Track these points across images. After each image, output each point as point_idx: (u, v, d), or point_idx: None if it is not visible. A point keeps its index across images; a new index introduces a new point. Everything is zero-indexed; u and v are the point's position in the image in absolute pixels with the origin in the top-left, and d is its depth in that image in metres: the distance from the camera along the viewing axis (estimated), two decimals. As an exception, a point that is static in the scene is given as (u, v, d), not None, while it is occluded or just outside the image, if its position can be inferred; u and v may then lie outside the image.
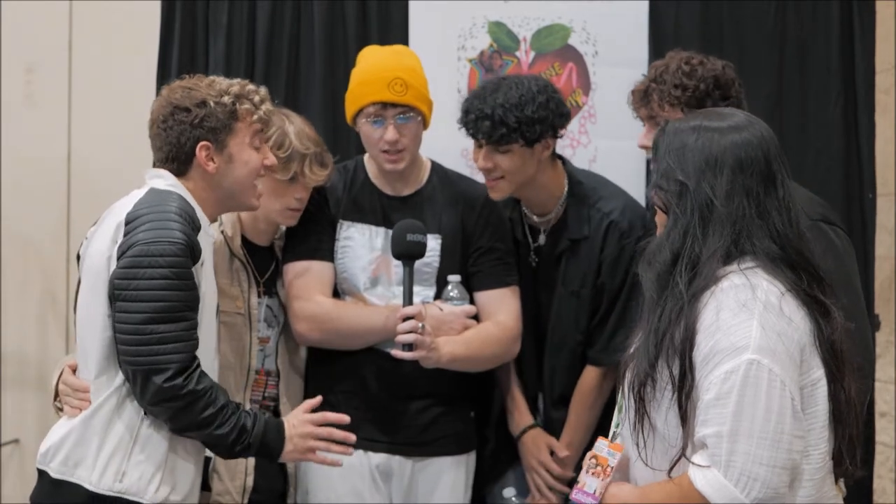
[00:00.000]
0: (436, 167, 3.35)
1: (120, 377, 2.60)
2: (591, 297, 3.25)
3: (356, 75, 3.26)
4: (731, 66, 3.03)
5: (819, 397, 2.16)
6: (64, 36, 4.15)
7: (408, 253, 3.07)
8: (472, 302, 3.24)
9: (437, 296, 3.24)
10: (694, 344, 2.12)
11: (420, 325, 3.01)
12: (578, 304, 3.26)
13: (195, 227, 2.62)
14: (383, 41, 3.76)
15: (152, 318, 2.53)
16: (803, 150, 3.85)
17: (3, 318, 4.16)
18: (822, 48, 3.90)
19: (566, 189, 3.29)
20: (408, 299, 3.05)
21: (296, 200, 3.14)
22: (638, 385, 2.18)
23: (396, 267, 3.18)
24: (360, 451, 3.11)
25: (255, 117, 2.78)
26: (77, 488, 2.58)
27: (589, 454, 2.33)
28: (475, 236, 3.28)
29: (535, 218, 3.33)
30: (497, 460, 3.42)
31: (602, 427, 3.17)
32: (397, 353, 3.02)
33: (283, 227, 3.26)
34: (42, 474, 2.65)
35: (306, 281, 3.19)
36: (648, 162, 3.45)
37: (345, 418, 2.80)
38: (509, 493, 3.41)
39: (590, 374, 3.27)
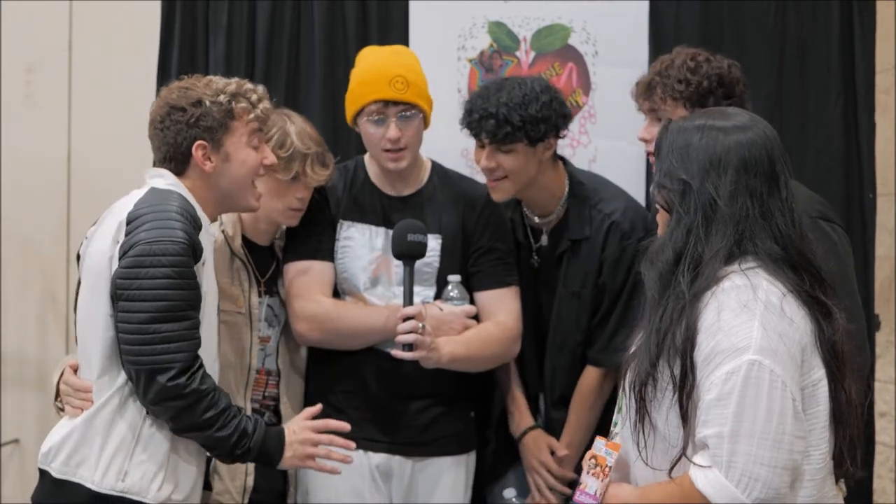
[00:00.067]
0: (436, 167, 3.35)
1: (122, 377, 2.60)
2: (592, 297, 3.25)
3: (356, 75, 3.26)
4: (737, 65, 3.03)
5: (820, 398, 2.16)
6: (64, 36, 4.15)
7: (408, 253, 3.07)
8: (472, 302, 3.24)
9: (438, 296, 3.24)
10: (695, 344, 2.12)
11: (420, 325, 3.01)
12: (579, 304, 3.26)
13: (196, 226, 2.62)
14: (383, 41, 3.76)
15: (155, 317, 2.53)
16: (803, 150, 3.85)
17: (3, 318, 4.16)
18: (822, 48, 3.90)
19: (567, 190, 3.29)
20: (408, 299, 3.05)
21: (297, 200, 3.14)
22: (639, 385, 2.18)
23: (397, 267, 3.18)
24: (361, 451, 3.10)
25: (252, 116, 2.78)
26: (79, 488, 2.59)
27: (588, 454, 2.33)
28: (475, 236, 3.28)
29: (536, 219, 3.33)
30: (498, 461, 3.42)
31: (602, 427, 3.18)
32: (397, 353, 3.02)
33: (284, 227, 3.26)
34: (44, 474, 2.65)
35: (306, 281, 3.19)
36: (648, 162, 3.45)
37: (345, 426, 2.81)
38: (510, 493, 3.41)
39: (590, 375, 3.27)
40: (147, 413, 2.61)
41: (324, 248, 3.23)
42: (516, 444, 3.35)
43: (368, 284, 3.23)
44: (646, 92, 3.05)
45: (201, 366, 2.58)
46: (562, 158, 3.35)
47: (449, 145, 3.66)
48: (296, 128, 3.12)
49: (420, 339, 3.00)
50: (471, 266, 3.27)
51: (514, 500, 3.40)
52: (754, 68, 3.67)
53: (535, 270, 3.35)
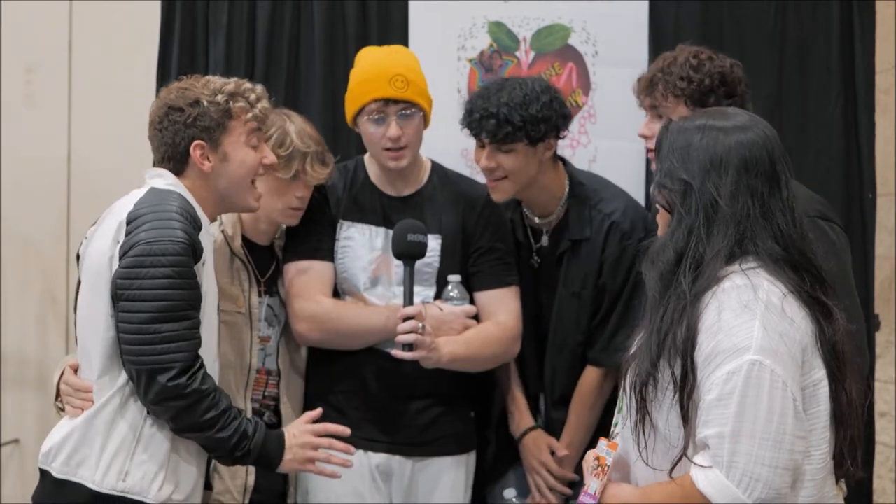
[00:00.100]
0: (436, 167, 3.35)
1: (123, 377, 2.60)
2: (592, 297, 3.25)
3: (356, 75, 3.26)
4: (740, 65, 3.03)
5: (821, 398, 2.16)
6: (64, 36, 4.15)
7: (408, 253, 3.07)
8: (472, 302, 3.24)
9: (438, 296, 3.24)
10: (695, 344, 2.12)
11: (420, 325, 3.01)
12: (579, 304, 3.26)
13: (196, 225, 2.63)
14: (383, 41, 3.76)
15: (155, 317, 2.53)
16: (803, 150, 3.85)
17: (3, 318, 4.16)
18: (822, 48, 3.90)
19: (567, 190, 3.29)
20: (408, 299, 3.05)
21: (297, 199, 3.14)
22: (639, 385, 2.18)
23: (397, 267, 3.19)
24: (361, 451, 3.11)
25: (250, 115, 2.78)
26: (80, 488, 2.59)
27: (592, 455, 2.33)
28: (475, 236, 3.28)
29: (536, 219, 3.33)
30: (498, 461, 3.42)
31: (602, 427, 3.18)
32: (397, 353, 3.02)
33: (284, 227, 3.26)
34: (44, 474, 2.66)
35: (306, 281, 3.19)
36: (648, 162, 3.45)
37: (345, 430, 2.81)
38: (510, 493, 3.41)
39: (590, 375, 3.27)
40: (148, 413, 2.61)
41: (324, 248, 3.23)
42: (516, 444, 3.35)
43: (368, 284, 3.23)
44: (647, 88, 3.05)
45: (202, 366, 2.58)
46: (562, 159, 3.35)
47: (449, 145, 3.66)
48: (295, 127, 3.12)
49: (420, 339, 3.00)
50: (471, 266, 3.27)
51: (514, 500, 3.40)
52: (754, 68, 3.67)
53: (535, 271, 3.35)
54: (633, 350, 2.28)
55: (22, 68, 4.16)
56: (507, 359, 3.30)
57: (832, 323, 2.18)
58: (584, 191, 3.29)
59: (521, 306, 3.27)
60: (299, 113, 3.27)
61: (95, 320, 2.62)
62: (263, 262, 3.21)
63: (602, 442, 2.32)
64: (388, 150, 3.17)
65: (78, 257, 2.76)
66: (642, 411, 2.19)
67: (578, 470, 3.25)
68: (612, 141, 3.86)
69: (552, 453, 3.30)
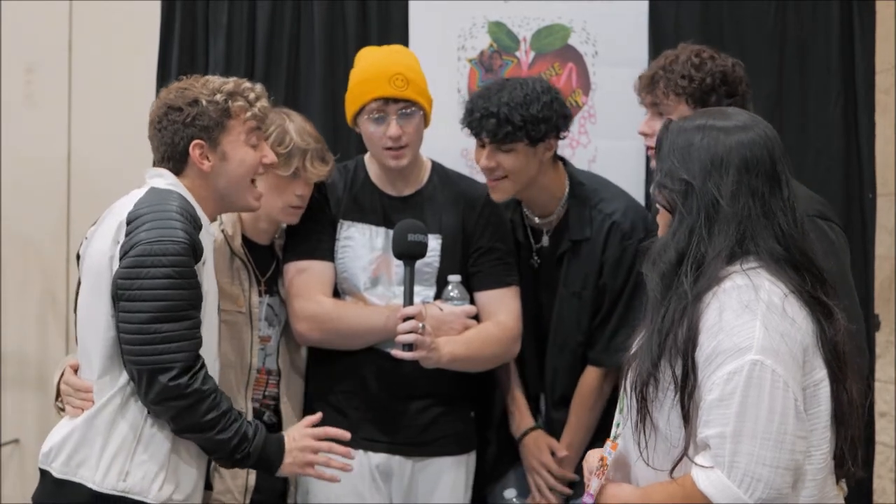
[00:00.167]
0: (436, 167, 3.35)
1: (124, 377, 2.60)
2: (593, 298, 3.25)
3: (356, 75, 3.26)
4: (741, 64, 3.04)
5: (821, 398, 2.16)
6: (64, 36, 4.15)
7: (409, 253, 3.07)
8: (472, 302, 3.24)
9: (438, 296, 3.24)
10: (696, 344, 2.12)
11: (420, 325, 3.01)
12: (580, 305, 3.26)
13: (197, 225, 2.63)
14: (383, 41, 3.76)
15: (156, 317, 2.53)
16: (803, 150, 3.86)
17: (3, 318, 4.16)
18: (822, 48, 3.90)
19: (567, 190, 3.29)
20: (408, 299, 3.05)
21: (297, 197, 3.14)
22: (640, 385, 2.18)
23: (397, 267, 3.19)
24: (361, 451, 3.11)
25: (249, 114, 2.78)
26: (80, 488, 2.59)
27: (594, 455, 2.32)
28: (475, 236, 3.28)
29: (536, 219, 3.33)
30: (498, 461, 3.42)
31: (602, 428, 3.18)
32: (397, 353, 3.03)
33: (284, 226, 3.26)
34: (44, 474, 2.65)
35: (307, 280, 3.19)
36: (648, 162, 3.45)
37: (345, 434, 2.81)
38: (510, 493, 3.41)
39: (591, 375, 3.27)
40: (148, 413, 2.61)
41: (324, 248, 3.23)
42: (517, 444, 3.35)
43: (368, 284, 3.23)
44: (648, 86, 3.06)
45: (203, 366, 2.58)
46: (562, 159, 3.35)
47: (449, 145, 3.66)
48: (294, 125, 3.13)
49: (420, 339, 3.00)
50: (471, 266, 3.27)
51: (514, 500, 3.41)
52: (754, 68, 3.66)
53: (535, 271, 3.35)
54: (633, 350, 2.28)
55: (22, 68, 4.15)
56: (507, 359, 3.30)
57: (833, 323, 2.18)
58: (585, 191, 3.29)
59: (522, 306, 3.27)
60: (299, 113, 3.27)
61: (96, 320, 2.62)
62: (264, 262, 3.21)
63: (607, 443, 2.32)
64: (388, 149, 3.17)
65: (78, 257, 2.76)
66: (643, 411, 2.18)
67: (579, 470, 3.25)
68: (611, 141, 3.86)
69: (552, 454, 3.30)
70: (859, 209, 3.89)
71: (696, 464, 2.10)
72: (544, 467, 3.29)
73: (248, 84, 2.82)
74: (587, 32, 3.91)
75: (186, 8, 3.94)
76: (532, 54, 3.92)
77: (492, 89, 3.17)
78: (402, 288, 3.09)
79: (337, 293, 3.25)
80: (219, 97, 2.74)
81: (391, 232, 3.15)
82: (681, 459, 2.13)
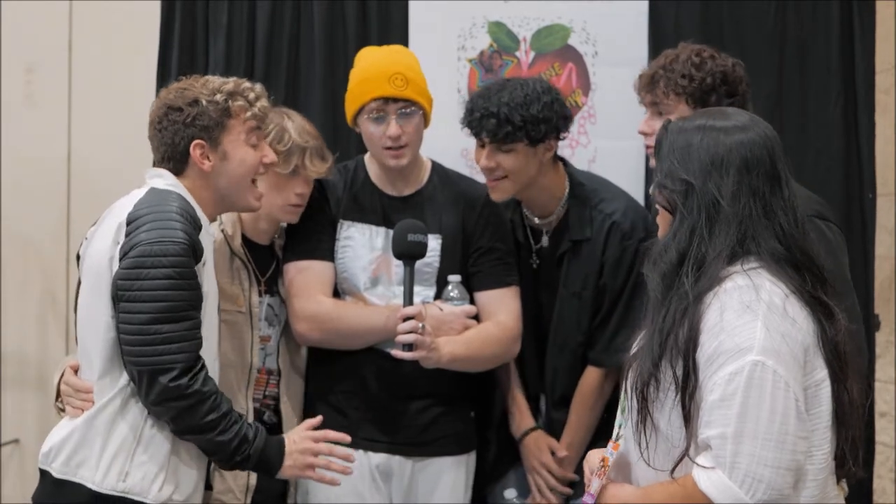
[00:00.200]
0: (436, 167, 3.35)
1: (124, 378, 2.60)
2: (593, 298, 3.25)
3: (355, 75, 3.26)
4: (742, 64, 3.04)
5: (823, 398, 2.15)
6: (64, 36, 4.15)
7: (408, 253, 3.07)
8: (472, 302, 3.24)
9: (438, 296, 3.24)
10: (697, 344, 2.12)
11: (420, 325, 3.01)
12: (580, 305, 3.26)
13: (197, 226, 2.62)
14: (383, 41, 3.76)
15: (156, 318, 2.53)
16: (803, 150, 3.86)
17: (3, 318, 4.16)
18: (822, 48, 3.90)
19: (567, 191, 3.29)
20: (408, 299, 3.05)
21: (297, 196, 3.14)
22: (641, 385, 2.18)
23: (397, 267, 3.19)
24: (361, 451, 3.11)
25: (250, 114, 2.78)
26: (80, 488, 2.59)
27: (595, 455, 2.32)
28: (475, 236, 3.28)
29: (536, 220, 3.33)
30: (498, 461, 3.42)
31: (602, 428, 3.18)
32: (397, 353, 3.02)
33: (284, 226, 3.26)
34: (44, 474, 2.65)
35: (307, 280, 3.19)
36: (648, 162, 3.45)
37: (345, 437, 2.81)
38: (510, 493, 3.41)
39: (591, 375, 3.27)
40: (148, 414, 2.61)
41: (324, 248, 3.23)
42: (517, 444, 3.35)
43: (368, 284, 3.23)
44: (648, 85, 3.05)
45: (203, 367, 2.58)
46: (562, 159, 3.35)
47: (449, 145, 3.66)
48: (293, 123, 3.13)
49: (420, 339, 3.00)
50: (471, 266, 3.27)
51: (514, 500, 3.41)
52: (754, 68, 3.66)
53: (535, 271, 3.35)
54: (634, 351, 2.28)
55: (22, 68, 4.16)
56: (507, 359, 3.30)
57: (834, 323, 2.18)
58: (585, 191, 3.29)
59: (522, 306, 3.27)
60: (299, 112, 3.27)
61: (96, 321, 2.62)
62: (263, 262, 3.21)
63: (609, 443, 2.32)
64: (388, 148, 3.17)
65: (78, 257, 2.76)
66: (644, 412, 2.18)
67: (579, 470, 3.25)
68: (611, 141, 3.86)
69: (553, 454, 3.30)
70: (859, 209, 3.89)
71: (697, 464, 2.10)
72: (545, 467, 3.29)
73: (247, 84, 2.82)
74: (587, 32, 3.91)
75: (186, 8, 3.94)
76: (532, 54, 3.92)
77: (492, 89, 3.17)
78: (401, 288, 3.09)
79: (337, 293, 3.25)
80: (219, 97, 2.74)
81: (391, 232, 3.15)
82: (682, 460, 2.13)
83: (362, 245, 3.24)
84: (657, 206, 2.31)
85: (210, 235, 2.76)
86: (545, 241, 3.33)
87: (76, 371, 2.70)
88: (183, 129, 2.72)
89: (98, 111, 4.11)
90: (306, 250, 3.22)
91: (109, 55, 4.11)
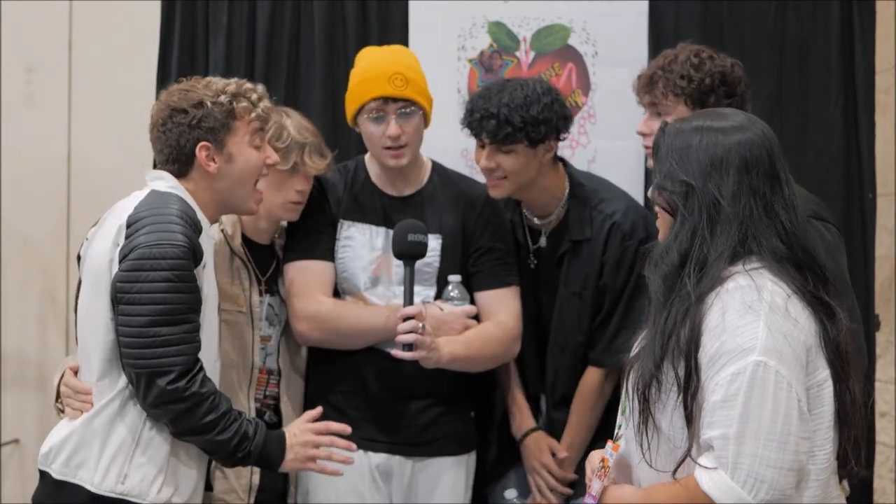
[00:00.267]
0: (436, 167, 3.35)
1: (123, 380, 2.60)
2: (593, 298, 3.25)
3: (356, 74, 3.26)
4: (740, 65, 3.04)
5: (825, 398, 2.15)
6: (64, 36, 4.14)
7: (409, 253, 3.07)
8: (472, 302, 3.24)
9: (438, 296, 3.24)
10: (699, 345, 2.12)
11: (420, 325, 3.01)
12: (580, 305, 3.26)
13: (197, 229, 2.62)
14: (383, 41, 3.76)
15: (155, 320, 2.53)
16: (803, 150, 3.86)
17: (3, 318, 4.15)
18: (822, 48, 3.90)
19: (567, 191, 3.29)
20: (408, 299, 3.05)
21: (297, 193, 3.14)
22: (643, 386, 2.18)
23: (397, 267, 3.19)
24: (361, 451, 3.10)
25: (254, 115, 2.78)
26: (79, 489, 2.59)
27: (597, 456, 2.32)
28: (475, 236, 3.28)
29: (535, 220, 3.33)
30: (499, 461, 3.42)
31: (603, 428, 3.18)
32: (397, 352, 3.03)
33: (284, 225, 3.26)
34: (44, 475, 2.65)
35: (307, 280, 3.19)
36: (647, 162, 3.45)
37: (346, 429, 2.81)
38: (511, 494, 3.41)
39: (591, 376, 3.27)
40: (147, 416, 2.60)
41: (324, 248, 3.23)
42: (517, 445, 3.35)
43: (369, 284, 3.23)
44: (647, 86, 3.05)
45: (201, 369, 2.58)
46: (562, 159, 3.35)
47: (449, 145, 3.66)
48: (292, 121, 3.13)
49: (420, 339, 3.00)
50: (471, 266, 3.27)
51: (515, 500, 3.41)
52: (754, 68, 3.67)
53: (532, 271, 3.35)
54: (635, 352, 2.28)
55: (22, 68, 4.15)
56: (507, 359, 3.30)
57: (835, 323, 2.18)
58: (585, 192, 3.29)
59: (522, 306, 3.27)
60: (298, 112, 3.28)
61: (96, 322, 2.62)
62: (264, 261, 3.21)
63: (609, 444, 2.32)
64: (387, 148, 3.18)
65: (79, 258, 2.76)
66: (645, 413, 2.18)
67: (579, 470, 3.25)
68: (611, 141, 3.86)
69: (553, 455, 3.30)
70: (859, 209, 3.89)
71: (699, 465, 2.09)
72: (545, 468, 3.29)
73: (249, 85, 2.82)
74: (587, 32, 3.91)
75: (186, 8, 3.93)
76: (532, 54, 3.92)
77: (492, 90, 3.17)
78: (402, 288, 3.09)
79: (337, 293, 3.25)
80: (223, 98, 2.74)
81: (391, 232, 3.15)
82: (684, 460, 2.13)
83: (362, 245, 3.24)
84: (657, 209, 2.31)
85: (210, 238, 2.76)
86: (543, 241, 3.33)
87: (76, 372, 2.70)
88: (188, 131, 2.72)
89: (98, 111, 4.11)
90: (306, 250, 3.22)
91: (109, 55, 4.11)
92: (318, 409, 2.84)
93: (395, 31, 3.90)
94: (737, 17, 3.92)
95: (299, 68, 3.95)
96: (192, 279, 2.58)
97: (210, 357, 2.68)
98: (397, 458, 3.22)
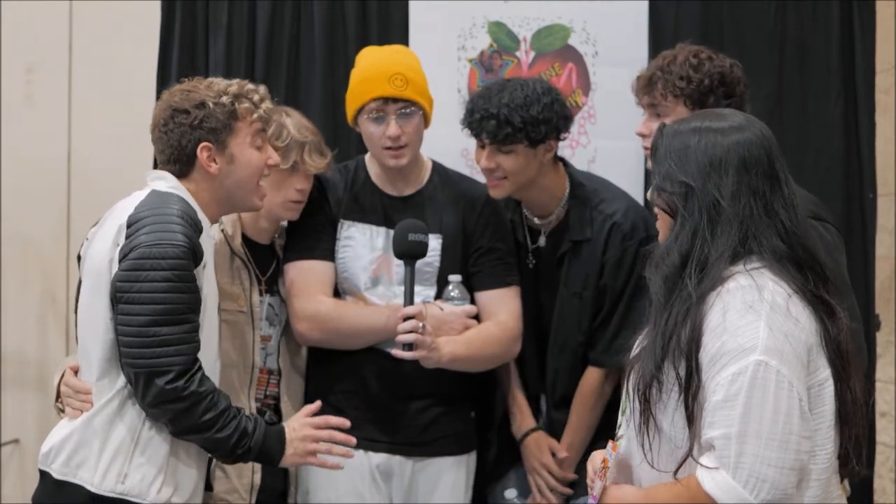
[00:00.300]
0: (437, 167, 3.35)
1: (122, 380, 2.60)
2: (594, 298, 3.25)
3: (356, 74, 3.26)
4: (739, 65, 3.03)
5: (826, 397, 2.15)
6: (64, 36, 4.14)
7: (409, 252, 3.07)
8: (472, 302, 3.24)
9: (438, 295, 3.24)
10: (700, 345, 2.12)
11: (421, 324, 3.01)
12: (581, 305, 3.26)
13: (197, 229, 2.62)
14: (383, 41, 3.76)
15: (154, 320, 2.53)
16: (803, 150, 3.85)
17: (3, 318, 4.16)
18: (822, 48, 3.90)
19: (567, 191, 3.29)
20: (408, 299, 3.05)
21: (297, 192, 3.14)
22: (643, 387, 2.18)
23: (397, 266, 3.19)
24: (361, 451, 3.10)
25: (255, 116, 2.78)
26: (79, 489, 2.59)
27: (599, 456, 2.32)
28: (476, 236, 3.28)
29: (536, 220, 3.33)
30: (499, 461, 3.42)
31: (603, 428, 3.18)
32: (398, 352, 3.03)
33: (284, 225, 3.26)
34: (44, 475, 2.65)
35: (307, 280, 3.19)
36: (647, 161, 3.45)
37: (345, 422, 2.81)
38: (511, 493, 3.41)
39: (591, 376, 3.27)
40: (146, 416, 2.60)
41: (324, 248, 3.23)
42: (517, 445, 3.35)
43: (369, 284, 3.23)
44: (646, 87, 3.05)
45: (200, 368, 2.58)
46: (562, 159, 3.35)
47: (449, 145, 3.66)
48: (292, 119, 3.14)
49: (420, 339, 3.00)
50: (471, 266, 3.27)
51: (515, 500, 3.41)
52: (754, 68, 3.67)
53: (531, 271, 3.35)
54: (635, 352, 2.28)
55: (22, 68, 4.15)
56: (507, 359, 3.31)
57: (836, 322, 2.18)
58: (585, 192, 3.29)
59: (522, 306, 3.27)
60: (299, 112, 3.28)
61: (95, 322, 2.62)
62: (264, 261, 3.21)
63: (609, 444, 2.32)
64: (387, 148, 3.18)
65: (79, 258, 2.76)
66: (646, 413, 2.18)
67: (579, 470, 3.25)
68: (611, 141, 3.86)
69: (553, 455, 3.30)
70: (859, 209, 3.89)
71: (701, 465, 2.09)
72: (545, 468, 3.29)
73: (251, 86, 2.82)
74: (587, 32, 3.90)
75: (186, 8, 3.93)
76: (532, 54, 3.92)
77: (492, 90, 3.17)
78: (402, 288, 3.09)
79: (337, 293, 3.25)
80: (225, 99, 2.74)
81: (392, 232, 3.15)
82: (685, 460, 2.13)
83: (363, 245, 3.24)
84: (656, 210, 2.31)
85: (211, 238, 2.76)
86: (542, 241, 3.33)
87: (76, 372, 2.70)
88: (190, 131, 2.72)
89: (98, 111, 4.11)
90: (307, 250, 3.22)
91: (109, 55, 4.10)
92: (317, 404, 2.83)
93: (395, 31, 3.90)
94: (737, 17, 3.92)
95: (299, 68, 3.95)
96: (191, 279, 2.58)
97: (210, 357, 2.68)
98: (397, 458, 3.22)
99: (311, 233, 3.23)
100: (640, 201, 3.53)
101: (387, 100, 3.16)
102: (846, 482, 2.39)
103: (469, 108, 3.19)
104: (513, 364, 3.36)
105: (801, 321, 2.13)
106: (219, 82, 2.81)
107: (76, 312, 2.74)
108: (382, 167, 3.25)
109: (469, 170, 3.56)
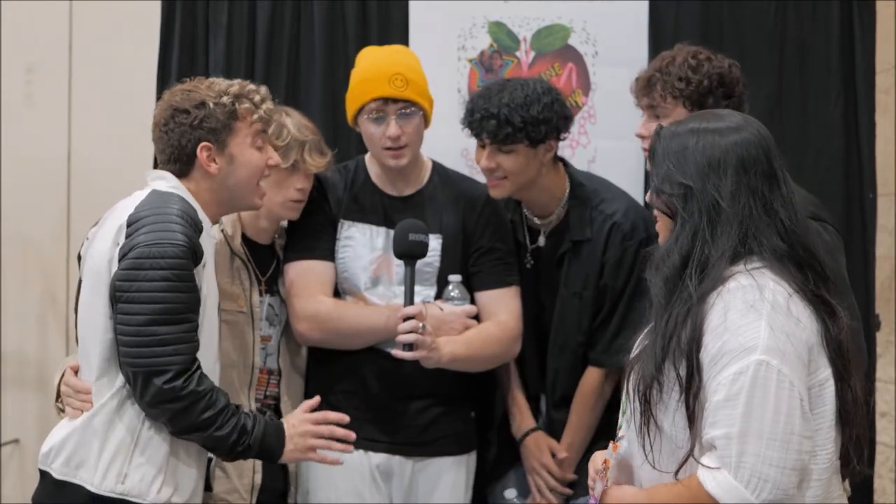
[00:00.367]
0: (437, 167, 3.35)
1: (121, 379, 2.60)
2: (594, 298, 3.25)
3: (356, 74, 3.27)
4: (738, 65, 3.03)
5: (827, 397, 2.16)
6: (64, 36, 4.14)
7: (409, 252, 3.07)
8: (472, 302, 3.24)
9: (438, 295, 3.24)
10: (701, 345, 2.12)
11: (421, 324, 3.01)
12: (581, 305, 3.26)
13: (197, 229, 2.62)
14: (383, 41, 3.76)
15: (153, 319, 2.53)
16: (803, 150, 3.85)
17: (3, 318, 4.16)
18: (822, 48, 3.90)
19: (567, 191, 3.29)
20: (409, 299, 3.05)
21: (297, 191, 3.14)
22: (644, 388, 2.18)
23: (397, 266, 3.19)
24: (361, 451, 3.11)
25: (256, 116, 2.78)
26: (79, 489, 2.59)
27: (600, 457, 2.32)
28: (476, 236, 3.28)
29: (535, 220, 3.33)
30: (499, 461, 3.42)
31: (603, 428, 3.18)
32: (398, 352, 3.03)
33: (284, 225, 3.26)
34: (44, 475, 2.65)
35: (307, 280, 3.19)
36: (647, 162, 3.45)
37: (345, 417, 2.81)
38: (511, 493, 3.41)
39: (591, 376, 3.27)
40: (146, 416, 2.60)
41: (324, 248, 3.23)
42: (517, 445, 3.35)
43: (369, 284, 3.23)
44: (645, 88, 3.05)
45: (199, 368, 2.58)
46: (562, 160, 3.36)
47: (449, 145, 3.66)
48: (292, 119, 3.14)
49: (420, 339, 3.00)
50: (471, 266, 3.27)
51: (514, 500, 3.41)
52: (754, 68, 3.67)
53: (533, 271, 3.35)
54: (635, 353, 2.28)
55: (22, 68, 4.15)
56: (507, 359, 3.31)
57: (836, 321, 2.18)
58: (585, 192, 3.29)
59: (522, 306, 3.27)
60: (299, 112, 3.28)
61: (95, 322, 2.62)
62: (264, 261, 3.21)
63: (610, 445, 2.32)
64: (387, 149, 3.18)
65: (79, 258, 2.76)
66: (646, 414, 2.18)
67: (579, 470, 3.25)
68: (611, 141, 3.86)
69: (553, 455, 3.30)
70: (859, 209, 3.89)
71: (702, 465, 2.09)
72: (545, 468, 3.29)
73: (252, 86, 2.82)
74: (587, 32, 3.90)
75: (186, 8, 3.93)
76: (532, 54, 3.92)
77: (492, 90, 3.17)
78: (402, 288, 3.09)
79: (337, 293, 3.25)
80: (225, 99, 2.74)
81: (392, 232, 3.15)
82: (686, 461, 2.13)
83: (363, 245, 3.24)
84: (655, 212, 2.31)
85: (211, 238, 2.75)
86: (542, 241, 3.33)
87: (76, 372, 2.70)
88: (190, 131, 2.72)
89: (98, 111, 4.11)
90: (307, 250, 3.22)
91: (109, 55, 4.10)
92: (316, 399, 2.83)
93: (395, 31, 3.90)
94: (737, 17, 3.92)
95: (299, 68, 3.95)
96: (191, 279, 2.58)
97: (210, 357, 2.68)
98: (397, 458, 3.22)
99: (311, 233, 3.23)
100: (640, 201, 3.53)
101: (387, 100, 3.16)
102: (847, 482, 2.39)
103: (469, 107, 3.19)
104: (513, 364, 3.36)
105: (801, 321, 2.13)
106: (220, 82, 2.81)
107: (76, 312, 2.74)
108: (382, 167, 3.25)
109: (469, 170, 3.56)
